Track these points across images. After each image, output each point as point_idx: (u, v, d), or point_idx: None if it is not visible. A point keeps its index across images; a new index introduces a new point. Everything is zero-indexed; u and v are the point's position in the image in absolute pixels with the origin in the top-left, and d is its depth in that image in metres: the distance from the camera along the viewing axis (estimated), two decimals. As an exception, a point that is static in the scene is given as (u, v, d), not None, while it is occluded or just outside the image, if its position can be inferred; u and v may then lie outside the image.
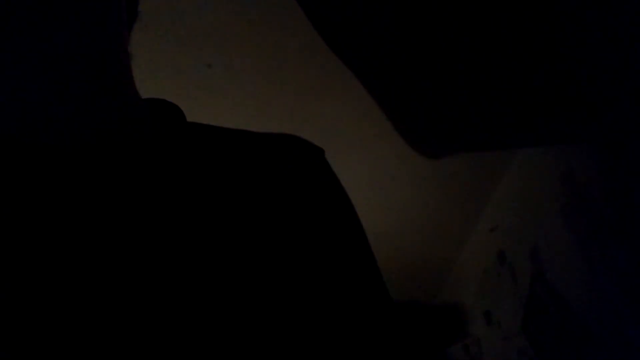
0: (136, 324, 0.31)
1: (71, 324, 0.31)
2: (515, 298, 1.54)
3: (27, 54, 0.30)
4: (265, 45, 1.19)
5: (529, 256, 1.45)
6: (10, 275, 0.31)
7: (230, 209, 0.35)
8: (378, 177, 1.58)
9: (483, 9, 0.94)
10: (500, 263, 1.67)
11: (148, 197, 0.33)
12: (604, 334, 1.08)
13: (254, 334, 0.32)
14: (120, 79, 0.37)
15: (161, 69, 1.22)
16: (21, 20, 0.29)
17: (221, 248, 0.33)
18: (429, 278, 2.24)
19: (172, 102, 0.42)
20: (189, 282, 0.32)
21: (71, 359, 0.30)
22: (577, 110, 1.17)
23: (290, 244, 0.36)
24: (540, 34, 0.99)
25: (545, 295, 1.35)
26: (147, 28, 1.15)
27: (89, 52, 0.33)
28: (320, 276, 0.37)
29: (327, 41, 1.07)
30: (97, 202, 0.32)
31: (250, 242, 0.34)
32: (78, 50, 0.32)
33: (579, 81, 1.10)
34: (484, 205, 1.75)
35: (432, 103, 1.20)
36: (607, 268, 1.08)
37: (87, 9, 0.32)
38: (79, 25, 0.31)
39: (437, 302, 2.39)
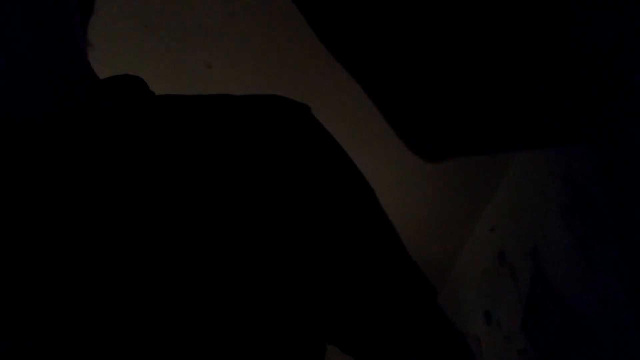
0: (128, 311, 0.30)
1: (66, 318, 0.30)
2: (515, 298, 1.54)
3: None
4: (265, 45, 1.19)
5: (529, 256, 1.45)
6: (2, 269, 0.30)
7: (215, 178, 0.32)
8: (378, 177, 1.58)
9: (483, 11, 0.95)
10: (500, 263, 1.67)
11: (123, 175, 0.31)
12: (604, 334, 1.08)
13: (253, 323, 0.31)
14: (75, 56, 0.36)
15: (161, 69, 1.22)
16: None
17: (213, 221, 0.31)
18: (429, 278, 2.24)
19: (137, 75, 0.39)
20: (180, 266, 0.30)
21: (67, 356, 0.30)
22: (576, 111, 1.17)
23: (286, 208, 0.33)
24: (540, 36, 0.99)
25: (545, 295, 1.35)
26: (147, 28, 1.15)
27: (44, 30, 0.33)
28: (325, 238, 0.35)
29: (328, 42, 1.07)
30: (73, 184, 0.31)
31: (242, 211, 0.32)
32: (34, 28, 0.32)
33: (578, 81, 1.10)
34: (484, 205, 1.75)
35: (432, 103, 1.20)
36: (607, 268, 1.08)
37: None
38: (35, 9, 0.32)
39: (437, 302, 2.39)
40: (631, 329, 1.00)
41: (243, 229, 0.32)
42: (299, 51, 1.22)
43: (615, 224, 1.05)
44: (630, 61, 0.99)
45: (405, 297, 0.40)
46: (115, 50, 1.15)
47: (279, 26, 1.17)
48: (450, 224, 1.87)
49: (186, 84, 1.27)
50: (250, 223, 0.32)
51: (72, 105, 0.34)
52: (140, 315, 0.30)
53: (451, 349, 0.45)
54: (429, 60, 1.06)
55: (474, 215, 1.81)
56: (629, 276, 1.00)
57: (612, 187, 1.06)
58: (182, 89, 1.37)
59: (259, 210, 0.32)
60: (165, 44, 1.17)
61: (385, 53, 1.07)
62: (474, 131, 1.30)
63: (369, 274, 0.38)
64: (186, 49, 1.19)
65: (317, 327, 0.35)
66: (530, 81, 1.10)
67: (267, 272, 0.31)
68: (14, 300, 0.29)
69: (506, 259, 1.62)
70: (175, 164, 0.32)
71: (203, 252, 0.30)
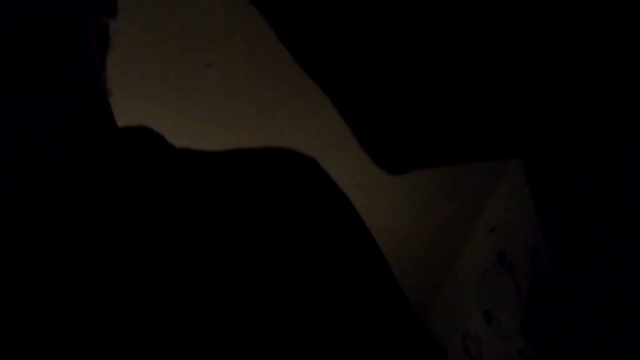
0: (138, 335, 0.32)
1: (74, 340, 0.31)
2: (515, 298, 1.54)
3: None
4: (265, 46, 1.18)
5: (529, 256, 1.45)
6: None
7: (229, 230, 0.35)
8: (379, 178, 1.58)
9: (483, 14, 0.95)
10: (500, 263, 1.67)
11: (143, 235, 0.34)
12: (604, 334, 1.08)
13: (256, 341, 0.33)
14: (105, 126, 0.37)
15: (161, 69, 1.22)
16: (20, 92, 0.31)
17: (224, 268, 0.34)
18: (429, 278, 2.24)
19: (153, 126, 0.42)
20: (186, 305, 0.33)
21: None
22: (575, 111, 1.17)
23: (292, 253, 0.35)
24: (540, 38, 0.99)
25: (545, 295, 1.35)
26: (148, 28, 1.15)
27: (77, 116, 0.34)
28: (328, 281, 0.36)
29: (329, 43, 1.07)
30: (95, 243, 0.34)
31: (253, 260, 0.34)
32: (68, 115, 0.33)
33: (577, 82, 1.10)
34: (484, 205, 1.75)
35: (433, 104, 1.20)
36: (607, 268, 1.08)
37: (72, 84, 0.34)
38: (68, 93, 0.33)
39: (437, 302, 2.39)
40: (631, 329, 1.00)
41: (253, 275, 0.34)
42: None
43: (615, 224, 1.05)
44: (630, 61, 0.99)
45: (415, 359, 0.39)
46: (116, 50, 1.15)
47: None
48: (450, 224, 1.87)
49: (186, 84, 1.27)
50: (260, 271, 0.34)
51: (106, 175, 0.36)
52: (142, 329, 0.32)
53: None
54: (428, 62, 1.06)
55: (474, 215, 1.81)
56: (629, 276, 1.00)
57: (612, 187, 1.06)
58: (182, 89, 1.37)
59: (268, 260, 0.35)
60: (165, 44, 1.17)
61: (385, 54, 1.07)
62: (474, 132, 1.30)
63: (376, 335, 0.38)
64: (186, 49, 1.19)
65: None
66: (530, 83, 1.10)
67: (270, 321, 0.33)
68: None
69: (506, 259, 1.63)
70: (198, 216, 0.35)
71: (209, 295, 0.33)
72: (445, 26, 0.98)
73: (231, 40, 1.19)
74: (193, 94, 1.29)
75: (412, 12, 0.96)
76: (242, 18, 1.14)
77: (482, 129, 1.28)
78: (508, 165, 1.54)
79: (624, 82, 1.01)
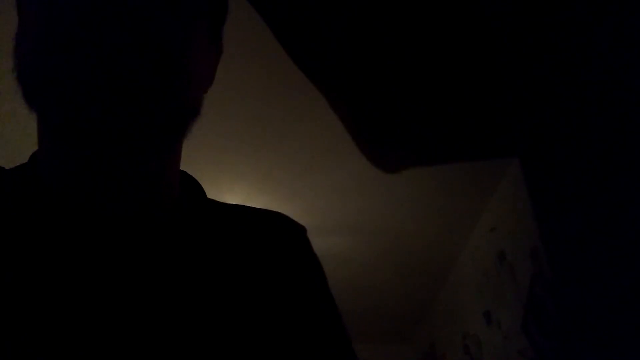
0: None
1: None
2: (515, 298, 1.54)
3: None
4: (264, 43, 1.18)
5: (529, 256, 1.45)
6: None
7: (226, 271, 0.44)
8: (379, 178, 1.58)
9: (483, 21, 0.95)
10: (500, 263, 1.67)
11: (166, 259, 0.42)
12: (604, 334, 1.08)
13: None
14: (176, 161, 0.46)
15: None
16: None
17: (213, 294, 0.42)
18: (429, 278, 2.24)
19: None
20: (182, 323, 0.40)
21: None
22: (575, 111, 1.17)
23: (268, 302, 0.45)
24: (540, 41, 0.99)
25: (545, 295, 1.35)
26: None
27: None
28: (290, 332, 0.45)
29: (326, 41, 1.08)
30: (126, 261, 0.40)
31: (235, 297, 0.43)
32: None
33: (577, 82, 1.10)
34: (484, 205, 1.75)
35: (433, 104, 1.20)
36: (607, 268, 1.08)
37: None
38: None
39: (437, 302, 2.39)
40: (631, 329, 1.00)
41: (238, 300, 0.43)
42: (301, 52, 1.22)
43: (615, 223, 1.05)
44: (630, 64, 0.99)
45: None
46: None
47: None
48: (450, 224, 1.88)
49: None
50: (248, 308, 0.43)
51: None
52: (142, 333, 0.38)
53: None
54: (428, 64, 1.07)
55: (474, 215, 1.81)
56: (629, 276, 1.00)
57: (612, 187, 1.06)
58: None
59: (255, 298, 0.44)
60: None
61: (387, 54, 1.08)
62: (474, 133, 1.30)
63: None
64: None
65: None
66: (529, 85, 1.10)
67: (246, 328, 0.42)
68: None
69: (506, 259, 1.63)
70: (211, 250, 0.45)
71: (202, 319, 0.40)
72: (444, 25, 0.98)
73: (231, 40, 1.19)
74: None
75: (414, 11, 0.97)
76: (242, 18, 1.14)
77: (482, 129, 1.29)
78: (508, 165, 1.54)
79: (624, 82, 1.01)
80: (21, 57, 0.38)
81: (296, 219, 0.54)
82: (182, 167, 0.48)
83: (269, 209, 0.56)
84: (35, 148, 0.44)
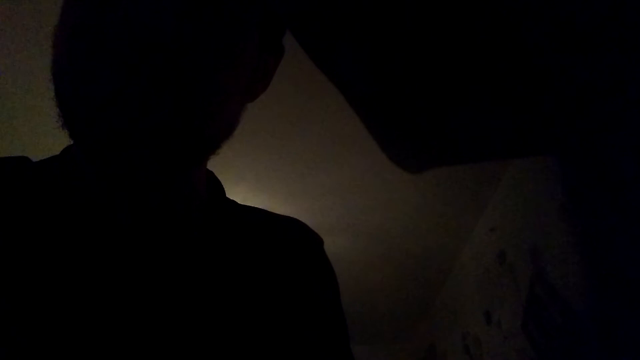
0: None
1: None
2: (515, 298, 1.54)
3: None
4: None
5: (529, 256, 1.45)
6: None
7: (242, 276, 0.45)
8: (379, 178, 1.58)
9: (479, 22, 0.95)
10: (500, 263, 1.67)
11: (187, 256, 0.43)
12: (604, 334, 1.08)
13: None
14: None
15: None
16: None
17: (227, 294, 0.43)
18: (429, 278, 2.24)
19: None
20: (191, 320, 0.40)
21: None
22: (575, 111, 1.17)
23: (278, 308, 0.45)
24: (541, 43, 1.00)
25: (545, 295, 1.35)
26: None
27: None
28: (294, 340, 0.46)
29: (326, 40, 1.08)
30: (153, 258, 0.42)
31: (248, 301, 0.44)
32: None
33: (577, 82, 1.11)
34: (484, 205, 1.75)
35: (433, 105, 1.20)
36: (607, 268, 1.08)
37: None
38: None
39: (437, 302, 2.39)
40: (631, 330, 1.00)
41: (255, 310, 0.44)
42: (301, 51, 1.22)
43: (615, 223, 1.05)
44: (631, 65, 0.99)
45: None
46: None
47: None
48: (450, 224, 1.88)
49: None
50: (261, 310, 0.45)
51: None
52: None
53: None
54: (429, 65, 1.07)
55: (474, 215, 1.81)
56: (629, 276, 1.01)
57: (612, 187, 1.06)
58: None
59: (270, 301, 0.45)
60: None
61: (389, 54, 1.08)
62: (474, 134, 1.30)
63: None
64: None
65: None
66: (529, 85, 1.10)
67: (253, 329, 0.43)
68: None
69: (506, 259, 1.63)
70: (229, 252, 0.46)
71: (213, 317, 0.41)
72: (448, 25, 0.98)
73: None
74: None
75: (419, 11, 0.97)
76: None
77: (482, 129, 1.29)
78: (508, 165, 1.54)
79: (625, 82, 1.02)
80: (60, 92, 0.37)
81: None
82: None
83: (268, 209, 0.56)
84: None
